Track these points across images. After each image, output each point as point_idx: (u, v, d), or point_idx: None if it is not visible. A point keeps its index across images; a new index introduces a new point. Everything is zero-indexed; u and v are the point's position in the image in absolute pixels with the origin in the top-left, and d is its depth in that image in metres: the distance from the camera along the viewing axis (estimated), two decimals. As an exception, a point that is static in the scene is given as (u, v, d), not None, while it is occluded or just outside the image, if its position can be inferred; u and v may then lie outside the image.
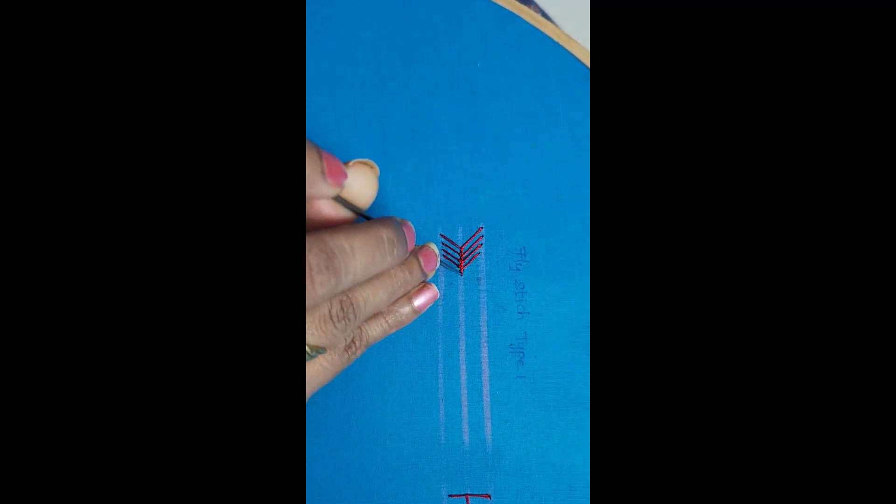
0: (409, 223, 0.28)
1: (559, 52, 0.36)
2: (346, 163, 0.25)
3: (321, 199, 0.24)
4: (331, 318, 0.25)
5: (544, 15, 0.42)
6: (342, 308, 0.25)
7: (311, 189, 0.23)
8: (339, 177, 0.24)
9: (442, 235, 0.34)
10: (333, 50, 0.37)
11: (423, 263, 0.29)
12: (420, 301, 0.29)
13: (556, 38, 0.36)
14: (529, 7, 0.40)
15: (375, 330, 0.29)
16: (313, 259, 0.22)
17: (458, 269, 0.34)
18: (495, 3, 0.37)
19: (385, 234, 0.25)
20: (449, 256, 0.34)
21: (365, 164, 0.26)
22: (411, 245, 0.28)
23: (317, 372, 0.26)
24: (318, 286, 0.22)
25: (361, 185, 0.26)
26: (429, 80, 0.36)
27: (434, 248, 0.30)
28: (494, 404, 0.33)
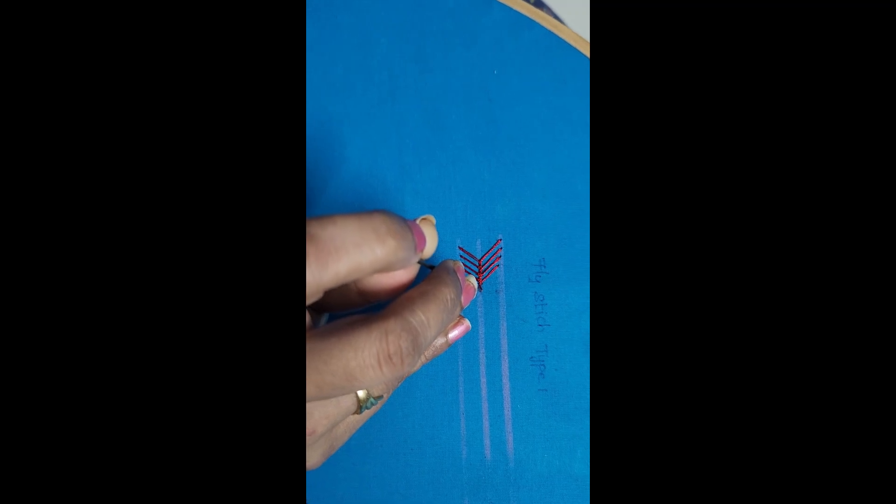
0: (461, 265, 0.29)
1: (577, 58, 0.36)
2: (413, 220, 0.27)
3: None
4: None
5: (556, 17, 0.41)
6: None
7: (407, 262, 0.24)
8: (423, 243, 0.26)
9: (460, 248, 0.34)
10: (348, 58, 0.36)
11: (462, 300, 0.29)
12: (454, 334, 0.30)
13: (573, 43, 0.36)
14: (542, 10, 0.40)
15: (416, 364, 0.29)
16: (403, 343, 0.23)
17: (478, 281, 0.33)
18: (511, 9, 0.36)
19: (448, 294, 0.26)
20: (468, 269, 0.33)
21: (427, 220, 0.28)
22: (462, 288, 0.29)
23: (366, 414, 0.27)
24: (406, 366, 0.23)
25: (430, 240, 0.27)
26: (445, 87, 0.36)
27: (473, 282, 0.31)
28: (516, 418, 0.33)
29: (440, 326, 0.25)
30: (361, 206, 0.35)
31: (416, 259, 0.25)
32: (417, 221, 0.27)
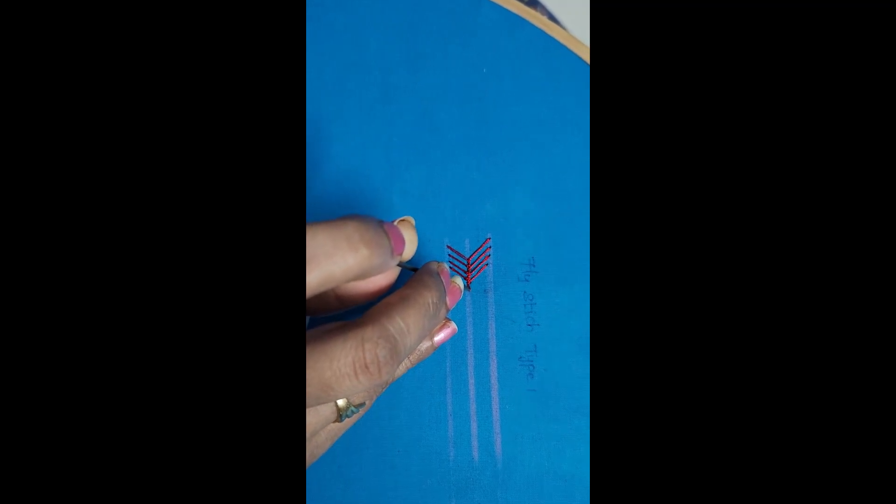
0: (446, 267, 0.29)
1: (568, 57, 0.35)
2: (391, 222, 0.26)
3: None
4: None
5: (550, 17, 0.41)
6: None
7: (384, 267, 0.23)
8: (401, 246, 0.25)
9: (448, 247, 0.34)
10: (338, 57, 0.36)
11: (447, 301, 0.28)
12: (439, 337, 0.29)
13: (564, 42, 0.35)
14: (535, 9, 0.39)
15: (399, 370, 0.29)
16: (380, 351, 0.22)
17: (466, 281, 0.33)
18: (503, 8, 0.36)
19: (430, 297, 0.25)
20: (456, 268, 0.33)
21: (406, 221, 0.27)
22: (447, 290, 0.28)
23: (348, 422, 0.27)
24: (384, 374, 0.22)
25: (409, 242, 0.26)
26: (435, 87, 0.35)
27: (459, 283, 0.30)
28: (504, 419, 0.32)
29: (421, 332, 0.24)
30: (350, 204, 0.34)
31: (394, 264, 0.25)
32: (396, 223, 0.26)
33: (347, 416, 0.25)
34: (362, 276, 0.23)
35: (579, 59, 0.35)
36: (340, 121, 0.35)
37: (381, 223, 0.24)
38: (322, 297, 0.26)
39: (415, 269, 0.28)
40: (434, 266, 0.28)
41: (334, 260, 0.21)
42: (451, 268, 0.33)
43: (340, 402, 0.24)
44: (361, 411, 0.26)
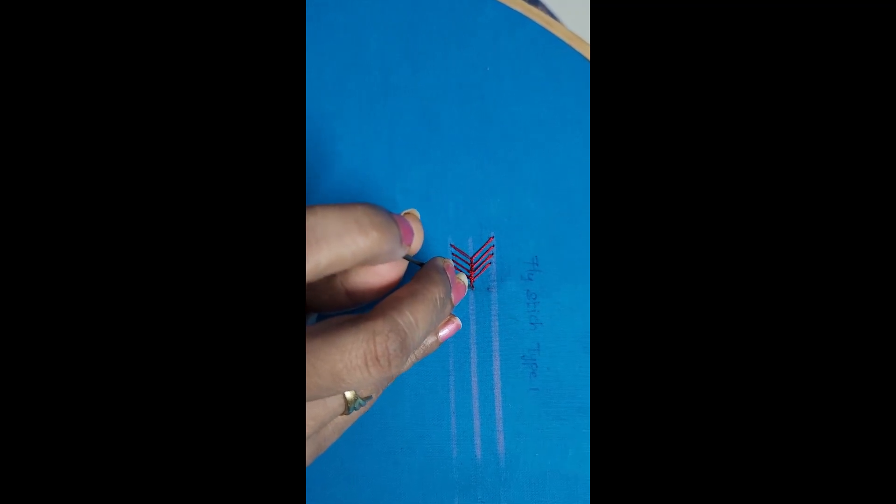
0: (451, 263, 0.29)
1: (570, 55, 0.35)
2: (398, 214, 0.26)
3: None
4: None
5: (551, 15, 0.41)
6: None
7: (392, 255, 0.24)
8: (410, 235, 0.25)
9: (452, 245, 0.34)
10: (339, 56, 0.36)
11: (452, 298, 0.29)
12: (444, 332, 0.29)
13: (566, 40, 0.35)
14: (536, 7, 0.39)
15: (405, 365, 0.29)
16: (390, 344, 0.22)
17: (469, 279, 0.33)
18: (505, 6, 0.36)
19: (438, 293, 0.26)
20: (459, 267, 0.33)
21: (411, 214, 0.27)
22: (453, 286, 0.28)
23: (354, 415, 0.27)
24: (393, 367, 0.22)
25: (416, 234, 0.27)
26: (437, 85, 0.35)
27: (464, 280, 0.30)
28: (507, 417, 0.32)
29: (429, 326, 0.25)
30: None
31: (403, 253, 0.25)
32: (404, 215, 0.26)
33: (355, 409, 0.25)
34: (372, 261, 0.23)
35: (581, 56, 0.35)
36: (341, 120, 0.35)
37: (389, 212, 0.24)
38: (332, 292, 0.26)
39: (421, 264, 0.28)
40: (440, 262, 0.28)
41: (344, 241, 0.21)
42: (454, 266, 0.33)
43: (348, 395, 0.24)
44: (368, 404, 0.26)
